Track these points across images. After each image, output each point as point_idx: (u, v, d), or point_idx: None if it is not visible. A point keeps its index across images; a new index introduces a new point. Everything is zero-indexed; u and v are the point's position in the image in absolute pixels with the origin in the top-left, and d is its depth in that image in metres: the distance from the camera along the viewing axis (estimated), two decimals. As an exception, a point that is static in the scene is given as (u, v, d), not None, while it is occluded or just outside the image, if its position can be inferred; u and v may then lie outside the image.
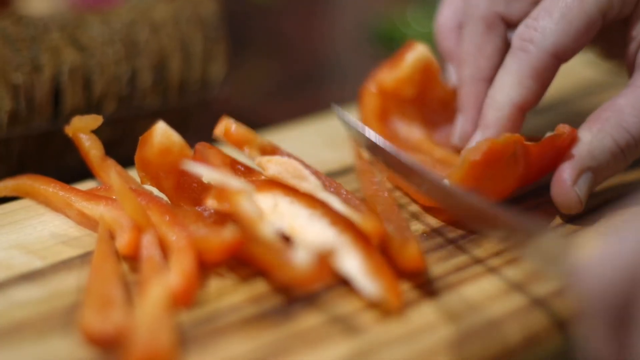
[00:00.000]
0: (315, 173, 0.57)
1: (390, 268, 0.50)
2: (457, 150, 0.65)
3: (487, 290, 0.51)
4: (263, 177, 0.57)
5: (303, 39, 1.25)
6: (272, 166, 0.56)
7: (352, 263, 0.50)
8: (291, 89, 1.05)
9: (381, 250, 0.51)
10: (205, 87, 0.77)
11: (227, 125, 0.58)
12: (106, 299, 0.47)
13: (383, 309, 0.48)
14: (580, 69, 0.83)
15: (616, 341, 0.39)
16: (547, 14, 0.58)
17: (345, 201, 0.54)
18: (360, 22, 1.29)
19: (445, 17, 0.68)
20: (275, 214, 0.54)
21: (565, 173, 0.57)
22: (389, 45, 1.14)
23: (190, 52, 0.75)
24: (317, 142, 0.71)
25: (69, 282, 0.51)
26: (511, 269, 0.53)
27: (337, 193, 0.56)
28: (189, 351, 0.45)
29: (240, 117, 0.61)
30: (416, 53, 0.67)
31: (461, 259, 0.54)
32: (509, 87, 0.59)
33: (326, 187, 0.56)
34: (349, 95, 0.79)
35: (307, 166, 0.58)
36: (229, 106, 0.87)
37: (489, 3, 0.63)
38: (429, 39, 0.73)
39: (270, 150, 0.59)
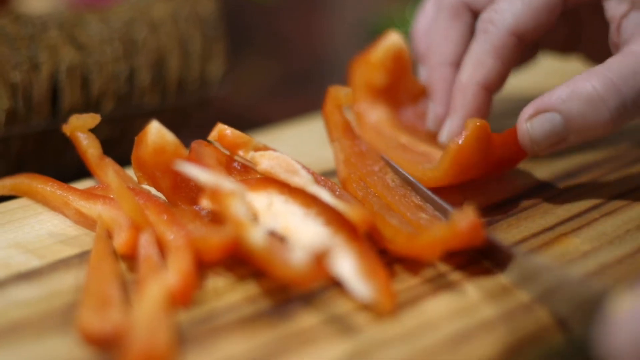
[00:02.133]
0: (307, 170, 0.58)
1: (384, 269, 0.50)
2: (423, 137, 0.66)
3: (486, 289, 0.51)
4: (258, 176, 0.57)
5: (302, 38, 1.25)
6: (265, 161, 0.56)
7: (345, 264, 0.50)
8: (290, 87, 1.05)
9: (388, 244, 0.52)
10: (204, 85, 0.77)
11: (221, 130, 0.59)
12: (104, 298, 0.47)
13: (375, 311, 0.48)
14: (582, 68, 0.83)
15: None
16: None
17: (335, 194, 0.54)
18: (359, 21, 1.30)
19: (421, 21, 0.70)
20: (270, 213, 0.54)
21: (524, 110, 0.58)
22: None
23: (189, 50, 0.75)
24: (315, 141, 0.71)
25: (67, 281, 0.51)
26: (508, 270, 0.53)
27: (330, 189, 0.56)
28: (186, 350, 0.45)
29: (238, 116, 0.62)
30: (389, 40, 0.68)
31: (461, 258, 0.54)
32: (472, 68, 0.61)
33: (317, 181, 0.56)
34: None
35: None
36: (228, 105, 0.88)
37: None
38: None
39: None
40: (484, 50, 0.61)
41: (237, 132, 0.58)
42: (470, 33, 0.65)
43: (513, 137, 0.59)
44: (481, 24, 0.62)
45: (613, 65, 0.56)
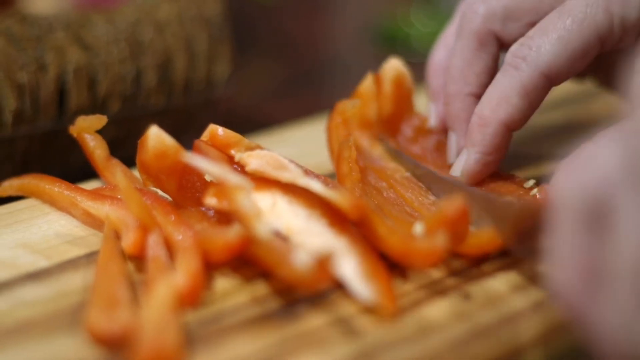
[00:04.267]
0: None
1: (386, 271, 0.50)
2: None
3: (493, 291, 0.51)
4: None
5: (307, 39, 1.25)
6: (253, 161, 0.55)
7: (348, 266, 0.50)
8: (295, 88, 1.05)
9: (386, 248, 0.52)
10: (209, 86, 0.77)
11: (212, 130, 0.58)
12: (112, 299, 0.47)
13: (378, 313, 0.48)
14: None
15: (585, 247, 0.38)
16: (543, 33, 0.57)
17: (327, 186, 0.54)
18: (364, 22, 1.30)
19: (440, 55, 0.67)
20: (273, 213, 0.54)
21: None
22: (392, 45, 1.15)
23: (194, 51, 0.75)
24: (320, 142, 0.71)
25: (74, 281, 0.51)
26: (516, 270, 0.53)
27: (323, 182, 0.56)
28: (194, 351, 0.45)
29: (243, 117, 0.62)
30: (391, 67, 0.66)
31: (461, 261, 0.54)
32: (496, 103, 0.58)
33: (307, 173, 0.56)
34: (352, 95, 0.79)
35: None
36: (233, 105, 0.88)
37: (484, 19, 0.61)
38: (432, 39, 0.73)
39: None
40: (512, 87, 0.58)
41: (229, 132, 0.58)
42: (495, 63, 0.62)
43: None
44: (512, 58, 0.58)
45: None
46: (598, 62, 0.65)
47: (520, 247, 0.52)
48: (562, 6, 0.58)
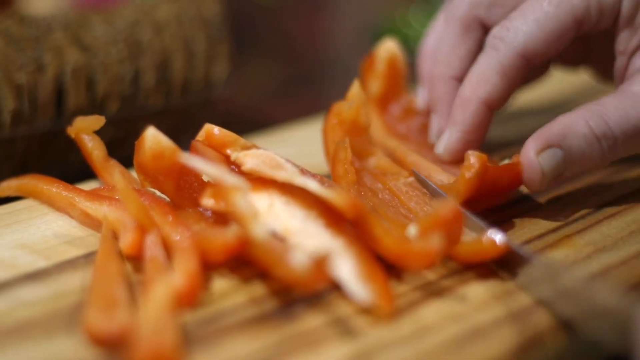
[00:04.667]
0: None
1: (383, 272, 0.50)
2: (414, 147, 0.66)
3: (488, 293, 0.51)
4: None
5: (306, 39, 1.25)
6: (249, 160, 0.56)
7: (345, 267, 0.50)
8: (294, 88, 1.05)
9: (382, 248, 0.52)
10: (208, 86, 0.77)
11: (208, 129, 0.58)
12: (110, 299, 0.47)
13: (374, 314, 0.48)
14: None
15: None
16: (521, 15, 0.59)
17: (324, 185, 0.54)
18: (362, 23, 1.30)
19: (430, 41, 0.69)
20: (271, 214, 0.54)
21: (530, 144, 0.58)
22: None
23: (193, 52, 0.75)
24: (319, 142, 0.71)
25: (73, 282, 0.51)
26: (509, 273, 0.53)
27: (319, 181, 0.56)
28: (192, 351, 0.45)
29: (242, 117, 0.62)
30: (386, 47, 0.69)
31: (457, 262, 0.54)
32: (476, 83, 0.60)
33: (304, 173, 0.56)
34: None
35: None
36: (232, 106, 0.88)
37: (469, 6, 0.63)
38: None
39: None
40: (491, 67, 0.60)
41: (224, 131, 0.58)
42: (479, 48, 0.64)
43: (507, 170, 0.58)
44: (491, 39, 0.60)
45: (609, 107, 0.58)
46: (589, 51, 0.68)
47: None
48: None
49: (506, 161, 0.60)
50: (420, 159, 0.64)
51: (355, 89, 0.63)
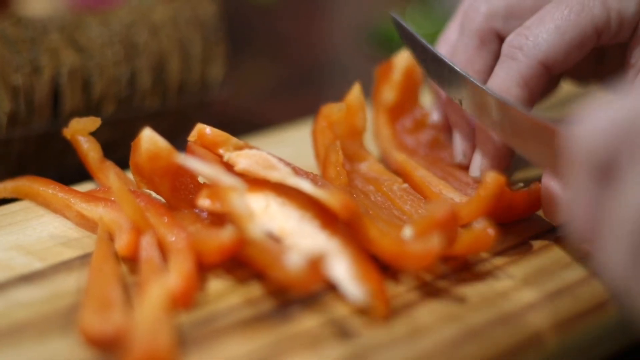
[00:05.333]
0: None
1: (378, 273, 0.50)
2: (422, 162, 0.64)
3: (484, 293, 0.51)
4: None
5: (302, 40, 1.25)
6: (242, 160, 0.55)
7: (340, 268, 0.50)
8: (290, 90, 1.05)
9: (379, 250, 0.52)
10: (204, 88, 0.77)
11: (200, 129, 0.57)
12: (106, 300, 0.47)
13: (370, 315, 0.48)
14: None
15: (595, 197, 0.39)
16: (540, 23, 0.57)
17: (317, 185, 0.54)
18: (359, 24, 1.30)
19: (442, 49, 0.67)
20: (266, 215, 0.54)
21: (550, 180, 0.56)
22: (387, 46, 1.15)
23: (189, 53, 0.76)
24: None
25: (68, 283, 0.51)
26: (513, 269, 0.53)
27: (312, 180, 0.56)
28: (187, 352, 0.45)
29: (239, 118, 0.62)
30: (404, 55, 0.67)
31: (454, 263, 0.54)
32: None
33: (299, 174, 0.56)
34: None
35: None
36: (228, 107, 0.88)
37: (486, 17, 0.61)
38: (427, 40, 0.73)
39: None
40: (510, 78, 0.58)
41: (216, 131, 0.58)
42: (495, 61, 0.61)
43: (526, 196, 0.58)
44: (509, 49, 0.58)
45: None
46: (600, 64, 0.66)
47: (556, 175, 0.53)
48: None
49: (521, 185, 0.60)
50: (429, 175, 0.62)
51: (355, 92, 0.63)
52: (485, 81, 0.61)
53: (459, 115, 0.63)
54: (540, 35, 0.57)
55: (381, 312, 0.48)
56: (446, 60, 0.59)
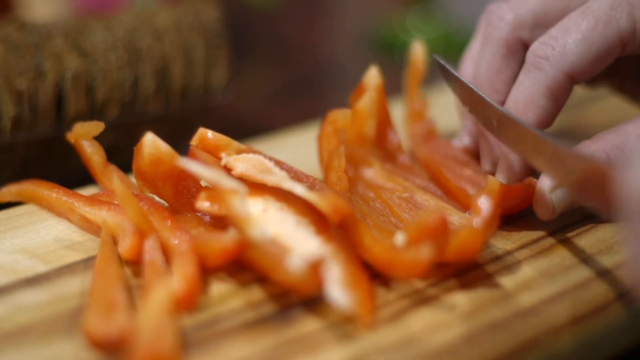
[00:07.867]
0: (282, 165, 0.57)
1: (368, 281, 0.50)
2: (417, 187, 0.64)
3: (475, 301, 0.51)
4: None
5: (304, 45, 1.25)
6: (240, 164, 0.56)
7: (332, 274, 0.50)
8: (292, 94, 1.06)
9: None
10: (207, 93, 0.77)
11: (202, 134, 0.58)
12: (109, 303, 0.47)
13: (354, 323, 0.48)
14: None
15: None
16: (566, 32, 0.57)
17: (314, 189, 0.54)
18: (361, 29, 1.30)
19: (468, 70, 0.66)
20: (263, 218, 0.54)
21: (546, 181, 0.56)
22: (389, 51, 1.15)
23: (192, 58, 0.76)
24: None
25: (72, 286, 0.52)
26: (506, 277, 0.54)
27: (311, 184, 0.56)
28: (190, 355, 0.46)
29: (241, 123, 0.62)
30: (372, 80, 0.64)
31: (449, 270, 0.55)
32: (523, 107, 0.58)
33: (300, 178, 0.56)
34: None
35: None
36: (231, 112, 0.88)
37: (512, 27, 0.60)
38: (428, 45, 0.73)
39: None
40: (537, 89, 0.57)
41: (218, 135, 0.58)
42: (520, 69, 0.60)
43: (520, 191, 0.58)
44: (534, 58, 0.57)
45: (631, 137, 0.57)
46: (612, 68, 0.65)
47: (585, 200, 0.53)
48: (584, 7, 0.57)
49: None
50: (426, 197, 0.62)
51: (366, 99, 0.63)
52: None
53: (492, 150, 0.62)
54: (567, 46, 0.56)
55: (365, 321, 0.48)
56: (492, 103, 0.58)
